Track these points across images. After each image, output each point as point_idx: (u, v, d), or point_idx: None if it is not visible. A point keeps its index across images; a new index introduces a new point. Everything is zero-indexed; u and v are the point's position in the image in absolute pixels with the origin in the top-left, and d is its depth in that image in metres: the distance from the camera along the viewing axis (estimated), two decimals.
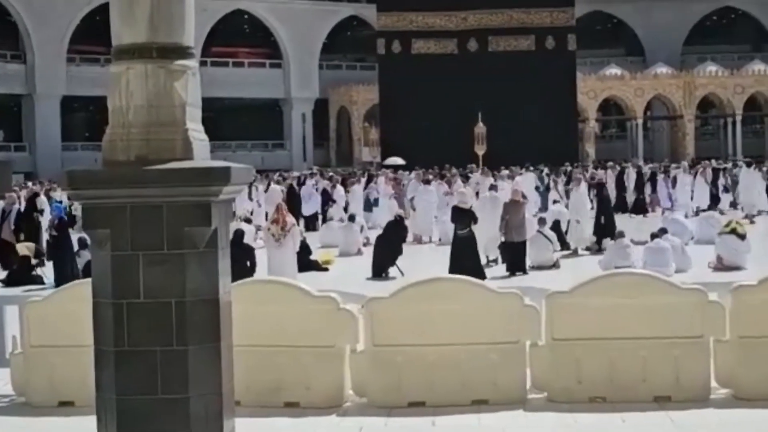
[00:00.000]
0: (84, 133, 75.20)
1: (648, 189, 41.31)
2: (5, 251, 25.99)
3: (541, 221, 24.98)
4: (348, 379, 11.07)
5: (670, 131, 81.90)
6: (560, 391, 10.80)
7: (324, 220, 34.41)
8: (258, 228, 34.08)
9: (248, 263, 19.47)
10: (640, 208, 38.63)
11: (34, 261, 24.64)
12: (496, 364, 10.76)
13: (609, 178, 43.01)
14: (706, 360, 10.78)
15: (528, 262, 23.00)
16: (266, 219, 34.66)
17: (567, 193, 35.36)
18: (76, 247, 24.30)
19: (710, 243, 23.71)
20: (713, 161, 50.76)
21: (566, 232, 26.93)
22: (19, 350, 11.82)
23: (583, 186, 30.35)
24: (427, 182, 34.92)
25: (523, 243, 22.82)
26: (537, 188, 42.02)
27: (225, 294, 6.87)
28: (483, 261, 23.78)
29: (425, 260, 24.52)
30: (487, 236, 24.29)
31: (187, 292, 6.59)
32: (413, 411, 10.63)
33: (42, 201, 32.02)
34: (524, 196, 25.38)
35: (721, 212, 34.60)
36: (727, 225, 23.31)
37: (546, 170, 46.91)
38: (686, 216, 31.94)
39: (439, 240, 28.74)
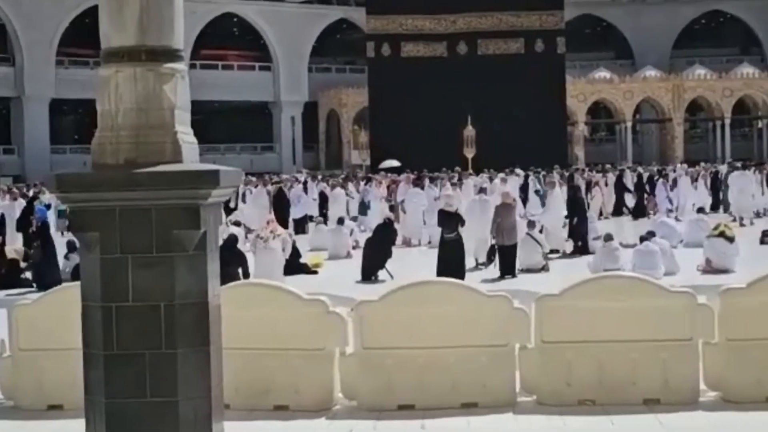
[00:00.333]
0: (73, 136, 75.18)
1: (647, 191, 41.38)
2: None
3: (531, 224, 24.98)
4: (337, 382, 11.06)
5: (659, 134, 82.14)
6: (549, 394, 10.81)
7: (326, 222, 34.30)
8: (248, 230, 34.13)
9: (240, 270, 19.42)
10: (640, 210, 38.62)
11: (23, 264, 24.59)
12: (486, 367, 10.76)
13: (609, 180, 43.15)
14: (695, 363, 10.79)
15: (517, 265, 22.99)
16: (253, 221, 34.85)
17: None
18: (64, 251, 24.27)
19: (699, 246, 23.73)
20: (714, 164, 50.94)
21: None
22: (8, 353, 11.78)
23: (558, 189, 30.41)
24: (417, 185, 34.94)
25: (514, 246, 22.82)
26: (537, 191, 42.22)
27: (214, 297, 6.86)
28: (472, 264, 23.84)
29: (414, 263, 24.51)
30: (477, 239, 24.31)
31: (176, 295, 6.59)
32: (403, 414, 10.62)
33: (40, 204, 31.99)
34: (514, 200, 25.41)
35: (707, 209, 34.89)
36: (716, 228, 23.33)
37: (543, 173, 47.06)
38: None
39: (429, 243, 28.74)
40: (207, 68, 76.68)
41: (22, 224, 27.27)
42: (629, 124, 77.82)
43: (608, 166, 53.94)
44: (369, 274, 22.69)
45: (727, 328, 10.77)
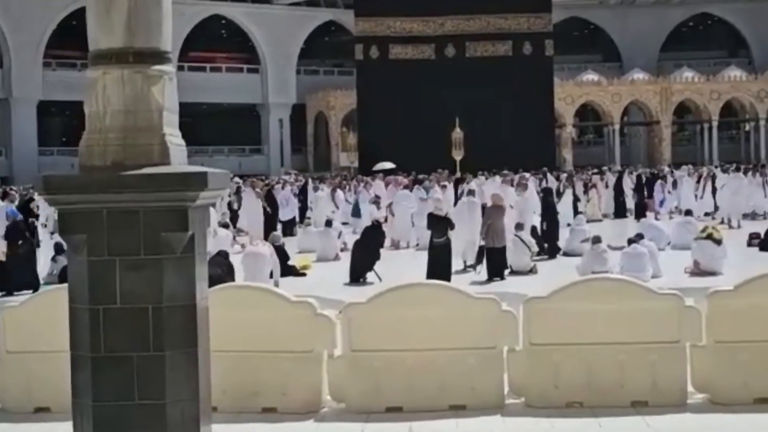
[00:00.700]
0: (61, 137, 75.08)
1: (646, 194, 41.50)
2: None
3: (519, 226, 24.96)
4: (325, 385, 11.06)
5: (646, 137, 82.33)
6: (538, 396, 10.82)
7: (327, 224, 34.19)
8: (239, 231, 34.09)
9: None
10: (641, 212, 38.64)
11: None
12: (474, 369, 10.77)
13: (609, 181, 43.23)
14: (683, 365, 10.81)
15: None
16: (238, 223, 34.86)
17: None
18: (52, 253, 24.22)
19: (687, 248, 23.75)
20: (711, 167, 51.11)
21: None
22: None
23: (530, 191, 30.41)
24: (406, 187, 34.92)
25: (504, 248, 22.83)
26: (539, 193, 42.29)
27: (202, 299, 6.86)
28: (460, 266, 23.83)
29: (403, 265, 24.49)
30: (465, 241, 24.30)
31: (164, 298, 6.58)
32: (391, 416, 10.62)
33: (37, 205, 31.88)
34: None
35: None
36: (704, 230, 23.35)
37: (541, 175, 47.18)
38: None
39: (417, 245, 28.73)
40: (195, 70, 76.64)
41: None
42: (617, 127, 77.91)
43: (605, 167, 54.03)
44: (357, 276, 22.68)
45: (715, 331, 10.80)
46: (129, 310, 6.55)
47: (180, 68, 68.26)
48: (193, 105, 67.78)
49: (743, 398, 10.59)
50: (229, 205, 36.20)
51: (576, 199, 39.84)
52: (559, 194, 39.39)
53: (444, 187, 36.25)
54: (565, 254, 26.37)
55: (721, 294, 10.98)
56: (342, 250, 27.71)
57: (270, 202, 34.08)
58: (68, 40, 67.97)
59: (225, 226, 30.94)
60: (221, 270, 18.57)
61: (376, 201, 35.55)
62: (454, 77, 62.57)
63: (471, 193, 27.85)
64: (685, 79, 77.02)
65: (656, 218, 34.55)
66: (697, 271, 22.10)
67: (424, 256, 21.93)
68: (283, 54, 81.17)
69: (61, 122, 76.40)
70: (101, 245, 6.54)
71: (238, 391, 10.72)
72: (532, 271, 23.39)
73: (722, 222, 34.04)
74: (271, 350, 10.90)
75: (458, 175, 46.05)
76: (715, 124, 76.62)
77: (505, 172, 43.64)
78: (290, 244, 27.96)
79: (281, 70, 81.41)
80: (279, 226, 33.96)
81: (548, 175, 46.70)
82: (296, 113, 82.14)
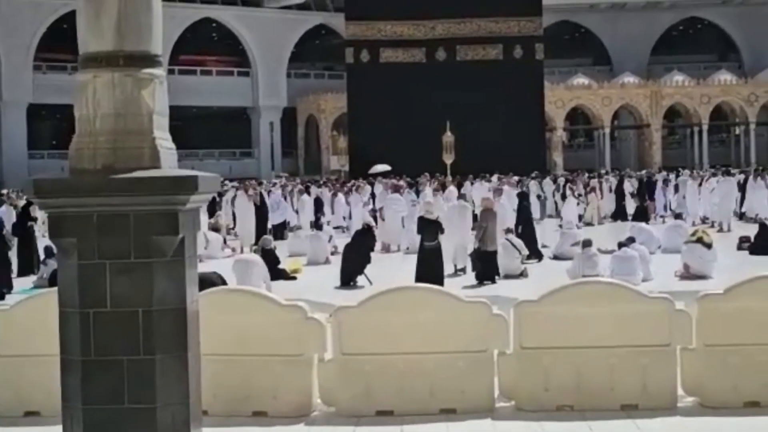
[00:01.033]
0: (51, 141, 74.92)
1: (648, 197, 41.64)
2: None
3: (508, 230, 25.00)
4: (316, 388, 11.05)
5: (637, 140, 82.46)
6: (528, 400, 10.82)
7: (318, 227, 34.19)
8: (230, 229, 34.11)
9: None
10: (642, 215, 38.71)
11: None
12: (465, 372, 10.77)
13: (606, 185, 43.31)
14: (673, 368, 10.82)
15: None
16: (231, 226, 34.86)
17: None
18: (42, 256, 24.19)
19: (677, 252, 23.79)
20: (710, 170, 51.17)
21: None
22: None
23: (506, 195, 30.44)
24: (396, 190, 34.92)
25: (496, 252, 22.82)
26: (538, 197, 42.52)
27: (192, 303, 6.85)
28: (451, 270, 23.82)
29: (393, 269, 24.49)
30: (456, 245, 24.31)
31: (154, 301, 6.57)
32: (381, 420, 10.62)
33: (36, 209, 31.80)
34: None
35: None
36: (694, 234, 23.41)
37: (539, 177, 47.43)
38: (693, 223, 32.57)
39: (407, 248, 28.73)
40: (185, 73, 76.60)
41: (18, 230, 27.10)
42: (607, 130, 78.00)
43: (603, 171, 54.07)
44: (348, 279, 22.67)
45: (705, 334, 10.81)
46: (119, 313, 6.54)
47: (170, 71, 68.21)
48: (184, 108, 67.70)
49: (733, 401, 10.61)
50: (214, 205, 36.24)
51: (576, 203, 40.04)
52: (564, 198, 39.64)
53: (437, 191, 36.27)
54: (556, 258, 26.42)
55: (711, 297, 11.00)
56: (332, 253, 27.72)
57: (261, 205, 34.09)
58: (59, 43, 67.85)
59: (215, 230, 30.98)
60: (215, 274, 18.64)
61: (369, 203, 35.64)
62: (445, 81, 62.64)
63: (462, 196, 27.86)
64: (675, 82, 77.20)
65: (663, 221, 34.99)
66: (687, 274, 22.13)
67: (414, 259, 21.91)
68: (274, 57, 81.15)
69: (52, 125, 76.23)
70: (91, 249, 6.53)
71: (228, 395, 10.70)
72: (522, 274, 23.41)
73: (712, 225, 34.11)
74: (261, 354, 10.89)
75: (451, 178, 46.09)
76: (705, 127, 76.77)
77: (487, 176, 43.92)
78: (281, 248, 27.94)
79: (272, 73, 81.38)
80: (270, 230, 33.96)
81: (527, 179, 46.78)
82: (287, 117, 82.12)
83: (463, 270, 24.16)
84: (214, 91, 79.20)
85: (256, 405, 10.89)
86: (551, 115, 74.07)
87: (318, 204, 39.90)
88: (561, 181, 47.98)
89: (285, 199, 39.67)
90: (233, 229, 34.85)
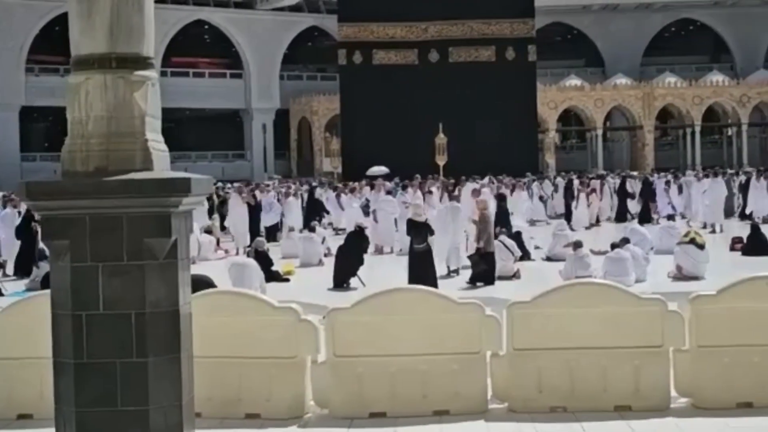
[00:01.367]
0: (43, 143, 74.91)
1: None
2: None
3: (501, 232, 25.00)
4: (309, 390, 11.04)
5: (629, 142, 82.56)
6: (521, 401, 10.82)
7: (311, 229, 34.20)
8: (223, 229, 34.07)
9: None
10: (645, 216, 38.74)
11: None
12: (458, 374, 10.77)
13: (609, 186, 43.36)
14: (666, 369, 10.83)
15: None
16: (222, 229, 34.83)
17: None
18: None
19: (670, 253, 23.80)
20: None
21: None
22: None
23: (485, 197, 30.51)
24: (389, 192, 34.91)
25: (494, 253, 22.82)
26: (541, 197, 42.53)
27: (185, 305, 6.84)
28: (444, 272, 23.82)
29: (386, 271, 24.50)
30: (449, 247, 24.31)
31: (147, 304, 6.56)
32: (375, 422, 10.61)
33: None
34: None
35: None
36: (686, 235, 23.42)
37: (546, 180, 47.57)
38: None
39: (400, 250, 28.71)
40: (178, 75, 76.56)
41: (21, 232, 27.07)
42: (600, 132, 78.15)
43: (603, 172, 54.12)
44: (341, 281, 22.66)
45: (698, 335, 10.82)
46: (112, 316, 6.53)
47: (163, 74, 68.17)
48: (176, 110, 67.77)
49: (726, 402, 10.61)
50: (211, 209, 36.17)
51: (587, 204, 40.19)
52: (573, 198, 39.69)
53: (430, 192, 36.24)
54: (548, 259, 26.44)
55: (703, 298, 11.00)
56: (325, 255, 27.72)
57: (254, 207, 34.09)
58: (51, 46, 67.87)
59: (208, 232, 30.95)
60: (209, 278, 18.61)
61: (366, 205, 35.62)
62: (438, 82, 62.73)
63: (454, 198, 27.86)
64: (667, 84, 77.35)
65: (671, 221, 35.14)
66: (680, 275, 22.17)
67: (407, 261, 21.88)
68: (267, 59, 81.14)
69: (44, 128, 76.24)
70: (84, 251, 6.52)
71: (221, 397, 10.69)
72: (515, 276, 23.41)
73: (705, 227, 34.15)
74: (254, 356, 10.88)
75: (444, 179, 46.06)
76: (697, 128, 76.92)
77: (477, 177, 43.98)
78: (274, 250, 27.93)
79: (264, 75, 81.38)
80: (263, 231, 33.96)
81: (531, 179, 46.86)
82: (279, 118, 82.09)
83: (457, 271, 24.17)
84: (206, 93, 79.20)
85: (249, 407, 10.88)
86: (544, 117, 74.15)
87: (319, 206, 39.80)
88: (559, 182, 48.01)
89: (279, 201, 39.57)
90: (224, 230, 34.82)
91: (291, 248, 29.45)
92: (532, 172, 54.15)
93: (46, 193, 6.60)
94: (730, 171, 50.33)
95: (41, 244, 23.56)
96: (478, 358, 10.88)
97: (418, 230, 21.35)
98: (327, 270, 24.18)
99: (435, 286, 18.15)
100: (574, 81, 78.34)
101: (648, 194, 41.07)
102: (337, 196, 40.96)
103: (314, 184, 48.82)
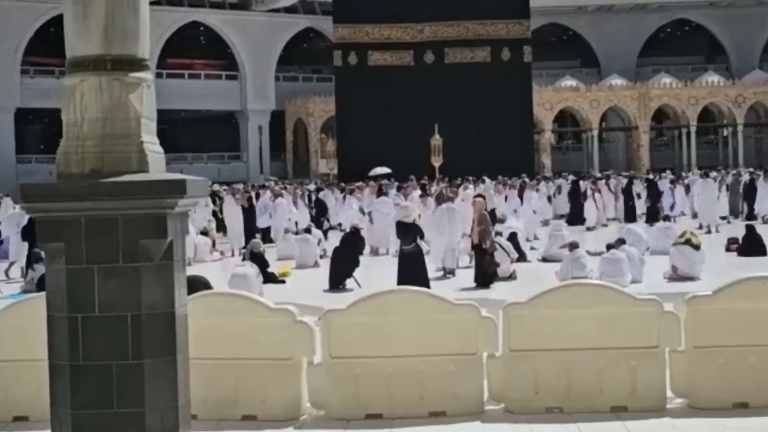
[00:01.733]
0: (39, 145, 74.83)
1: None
2: None
3: (497, 233, 24.99)
4: (305, 392, 11.04)
5: (625, 142, 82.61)
6: (517, 402, 10.82)
7: (307, 231, 34.12)
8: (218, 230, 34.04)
9: None
10: (653, 216, 38.75)
11: None
12: (454, 375, 10.77)
13: (612, 186, 43.41)
14: (662, 370, 10.83)
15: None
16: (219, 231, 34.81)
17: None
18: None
19: (666, 253, 23.81)
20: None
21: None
22: None
23: (459, 201, 30.52)
24: (384, 194, 34.90)
25: (493, 254, 22.81)
26: (549, 198, 42.56)
27: (181, 307, 6.84)
28: (440, 273, 23.83)
29: (382, 272, 24.46)
30: (445, 247, 24.31)
31: (143, 306, 6.56)
32: (371, 423, 10.61)
33: None
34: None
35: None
36: (682, 235, 23.41)
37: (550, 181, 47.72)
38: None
39: (396, 251, 28.68)
40: (173, 77, 76.47)
41: (28, 233, 27.03)
42: (595, 133, 78.16)
43: (607, 172, 54.12)
44: (337, 282, 22.66)
45: (694, 336, 10.83)
46: (107, 318, 6.53)
47: (158, 75, 68.15)
48: (172, 112, 67.73)
49: (722, 403, 10.62)
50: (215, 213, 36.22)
51: (582, 205, 40.19)
52: (585, 198, 39.75)
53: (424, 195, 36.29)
54: (545, 260, 26.44)
55: (699, 299, 11.01)
56: (321, 257, 27.71)
57: (249, 209, 34.08)
58: (46, 47, 67.80)
59: (204, 233, 30.93)
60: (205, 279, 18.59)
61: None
62: (433, 83, 62.71)
63: (450, 199, 27.86)
64: (663, 84, 77.38)
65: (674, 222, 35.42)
66: (676, 276, 22.17)
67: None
68: (262, 61, 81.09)
69: (39, 130, 76.16)
70: (79, 253, 6.52)
71: (217, 399, 10.69)
72: (511, 277, 23.40)
73: (700, 227, 34.17)
74: (250, 357, 10.88)
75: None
76: (693, 129, 76.97)
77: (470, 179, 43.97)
78: (269, 251, 27.92)
79: (260, 76, 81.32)
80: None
81: (537, 180, 46.94)
82: (275, 120, 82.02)
83: (452, 272, 24.16)
84: (202, 94, 79.15)
85: (245, 409, 10.88)
86: (539, 118, 74.18)
87: (322, 207, 39.72)
88: (561, 182, 48.06)
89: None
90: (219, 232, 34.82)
91: (287, 250, 29.43)
92: (527, 173, 54.13)
93: (42, 196, 6.60)
94: (733, 172, 50.26)
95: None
96: (474, 359, 10.88)
97: (407, 231, 21.29)
98: (323, 271, 24.17)
99: (426, 287, 18.10)
100: (569, 82, 78.38)
101: (655, 194, 41.10)
102: (275, 197, 40.92)
103: (320, 185, 48.82)
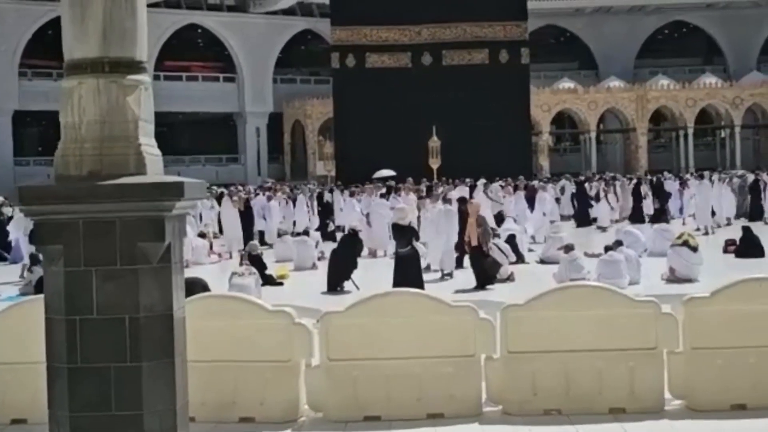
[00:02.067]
0: (37, 147, 74.79)
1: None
2: None
3: (495, 234, 24.99)
4: (303, 394, 11.04)
5: (623, 144, 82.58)
6: (515, 404, 10.83)
7: (324, 236, 34.11)
8: (216, 235, 33.99)
9: None
10: (661, 217, 38.74)
11: None
12: (452, 377, 10.77)
13: (623, 188, 43.44)
14: (660, 371, 10.84)
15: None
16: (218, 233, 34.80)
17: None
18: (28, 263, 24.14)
19: (663, 255, 23.81)
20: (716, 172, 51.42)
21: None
22: None
23: (441, 202, 30.55)
24: (382, 196, 34.89)
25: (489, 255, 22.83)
26: (557, 200, 42.56)
27: (179, 309, 6.84)
28: (438, 275, 23.83)
29: (380, 274, 24.44)
30: (443, 249, 24.30)
31: (141, 308, 6.56)
32: (369, 425, 10.62)
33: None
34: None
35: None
36: (680, 237, 23.41)
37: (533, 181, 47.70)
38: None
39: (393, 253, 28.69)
40: (171, 79, 76.41)
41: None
42: (593, 134, 78.13)
43: (614, 174, 54.07)
44: (335, 285, 22.65)
45: (692, 337, 10.84)
46: (105, 320, 6.53)
47: (156, 77, 68.20)
48: (170, 114, 67.66)
49: (720, 404, 10.63)
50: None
51: (589, 206, 40.16)
52: (597, 199, 39.76)
53: (423, 197, 36.24)
54: (542, 262, 26.44)
55: (697, 301, 11.02)
56: (319, 258, 27.70)
57: (247, 211, 34.07)
58: (44, 50, 67.68)
59: (202, 236, 30.92)
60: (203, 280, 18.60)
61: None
62: (431, 85, 62.61)
63: (447, 201, 27.85)
64: (660, 86, 77.36)
65: (682, 223, 35.49)
66: (673, 278, 22.17)
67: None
68: (260, 63, 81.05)
69: (37, 132, 76.14)
70: (77, 256, 6.52)
71: (215, 401, 10.69)
72: (509, 278, 23.40)
73: (698, 229, 34.18)
74: (248, 360, 10.88)
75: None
76: (690, 131, 76.94)
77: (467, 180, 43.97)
78: (267, 254, 27.92)
79: (258, 78, 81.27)
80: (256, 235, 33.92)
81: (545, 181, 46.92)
82: (273, 122, 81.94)
83: (450, 274, 24.16)
84: (200, 96, 79.10)
85: (243, 411, 10.88)
86: (537, 119, 74.16)
87: (328, 209, 39.68)
88: (565, 183, 48.08)
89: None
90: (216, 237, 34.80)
91: (284, 252, 29.43)
92: (525, 174, 54.12)
93: (40, 198, 6.60)
94: (738, 173, 50.23)
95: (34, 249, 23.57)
96: (472, 361, 10.88)
97: (402, 234, 21.31)
98: (321, 273, 24.17)
99: (421, 289, 18.09)
100: (567, 84, 78.37)
101: (664, 196, 41.10)
102: (268, 200, 40.85)
103: (331, 187, 48.76)
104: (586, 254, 24.03)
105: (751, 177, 43.69)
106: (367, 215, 32.11)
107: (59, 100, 6.80)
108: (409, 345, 10.81)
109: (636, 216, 40.38)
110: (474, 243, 22.51)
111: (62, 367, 6.58)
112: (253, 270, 21.19)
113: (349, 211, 36.65)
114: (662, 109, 79.58)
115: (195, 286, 16.32)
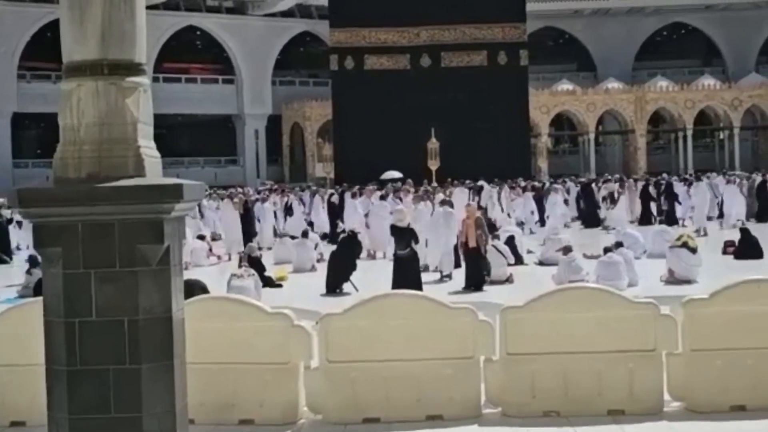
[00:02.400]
0: (35, 150, 74.77)
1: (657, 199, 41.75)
2: None
3: (495, 236, 24.99)
4: (302, 396, 11.03)
5: (622, 146, 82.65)
6: (514, 406, 10.82)
7: (332, 237, 34.03)
8: (215, 237, 33.98)
9: None
10: (671, 218, 38.71)
11: None
12: (451, 379, 10.77)
13: (628, 190, 43.41)
14: (659, 373, 10.84)
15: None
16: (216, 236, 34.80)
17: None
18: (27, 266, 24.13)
19: (662, 257, 23.81)
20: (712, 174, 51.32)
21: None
22: None
23: (423, 204, 30.47)
24: (381, 197, 34.88)
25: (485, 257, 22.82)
26: (566, 201, 42.51)
27: (178, 311, 6.84)
28: (437, 276, 23.82)
29: (380, 276, 24.43)
30: (442, 251, 24.30)
31: (140, 310, 6.56)
32: (368, 427, 10.62)
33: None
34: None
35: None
36: (679, 238, 23.41)
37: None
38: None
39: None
40: (170, 81, 76.41)
41: None
42: (592, 136, 78.15)
43: (616, 176, 54.04)
44: (334, 287, 22.64)
45: (691, 339, 10.84)
46: (105, 323, 6.53)
47: (155, 79, 68.15)
48: (168, 116, 67.64)
49: (719, 405, 10.63)
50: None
51: (597, 207, 40.09)
52: (613, 201, 39.71)
53: (421, 199, 36.23)
54: (542, 263, 26.43)
55: (696, 302, 11.02)
56: (318, 260, 27.69)
57: (246, 214, 34.07)
58: (43, 52, 67.69)
59: (201, 237, 30.91)
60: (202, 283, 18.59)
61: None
62: (430, 87, 62.61)
63: (446, 203, 27.84)
64: (659, 87, 77.37)
65: (683, 225, 35.48)
66: (672, 279, 22.16)
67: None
68: (259, 65, 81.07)
69: (36, 134, 76.11)
70: (76, 258, 6.52)
71: (215, 403, 10.69)
72: (508, 280, 23.40)
73: (697, 231, 34.18)
74: (247, 362, 10.88)
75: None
76: (689, 132, 76.95)
77: (479, 183, 43.90)
78: (266, 255, 27.91)
79: (256, 80, 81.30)
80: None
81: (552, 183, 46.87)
82: (272, 124, 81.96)
83: (449, 276, 24.15)
84: (198, 98, 79.11)
85: (242, 413, 10.88)
86: (536, 121, 74.15)
87: (335, 210, 39.63)
88: (570, 186, 48.08)
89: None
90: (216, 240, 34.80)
91: (284, 254, 29.42)
92: (524, 176, 54.11)
93: (38, 200, 6.59)
94: (746, 175, 50.20)
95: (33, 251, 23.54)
96: (471, 363, 10.88)
97: (401, 236, 21.31)
98: (320, 275, 24.15)
99: (419, 290, 18.09)
100: (566, 85, 78.36)
101: (672, 197, 41.09)
102: (262, 201, 40.81)
103: (344, 188, 48.71)
104: (585, 256, 24.02)
105: (758, 178, 43.64)
106: (366, 216, 32.10)
107: (58, 102, 6.79)
108: (408, 347, 10.81)
109: (645, 218, 40.37)
110: (472, 244, 22.50)
111: (61, 370, 6.58)
112: (252, 272, 21.19)
113: (351, 213, 36.59)
114: (661, 111, 79.64)
115: (194, 288, 16.29)
